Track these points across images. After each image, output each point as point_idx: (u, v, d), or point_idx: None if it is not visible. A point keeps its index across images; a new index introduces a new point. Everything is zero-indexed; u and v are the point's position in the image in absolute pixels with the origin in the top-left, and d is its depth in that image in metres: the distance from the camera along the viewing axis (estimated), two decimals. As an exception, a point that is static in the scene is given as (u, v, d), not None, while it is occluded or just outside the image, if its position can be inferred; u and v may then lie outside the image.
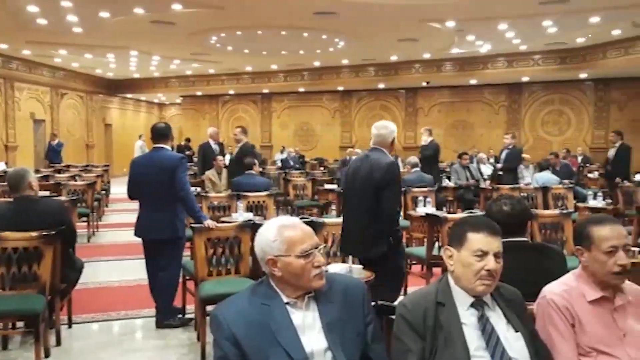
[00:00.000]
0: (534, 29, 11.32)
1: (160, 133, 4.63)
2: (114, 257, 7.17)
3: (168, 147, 4.65)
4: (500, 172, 9.67)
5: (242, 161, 7.63)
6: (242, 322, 1.76)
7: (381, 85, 18.12)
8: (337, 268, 3.51)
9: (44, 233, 3.70)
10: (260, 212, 6.38)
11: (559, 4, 9.04)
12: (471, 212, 5.54)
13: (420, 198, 6.67)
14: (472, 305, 1.88)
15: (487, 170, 11.18)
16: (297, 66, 17.30)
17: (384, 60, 15.99)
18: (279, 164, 15.16)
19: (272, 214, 6.43)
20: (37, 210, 3.94)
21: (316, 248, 1.84)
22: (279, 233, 1.84)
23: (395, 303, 2.03)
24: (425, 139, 9.56)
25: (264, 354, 1.73)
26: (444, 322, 1.84)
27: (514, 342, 1.83)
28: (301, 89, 19.44)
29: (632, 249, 4.18)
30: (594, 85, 16.00)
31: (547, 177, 8.91)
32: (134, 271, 6.23)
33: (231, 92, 20.81)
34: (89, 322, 4.70)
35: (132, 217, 4.85)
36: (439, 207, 7.56)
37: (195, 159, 13.19)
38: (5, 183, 5.31)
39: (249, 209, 6.28)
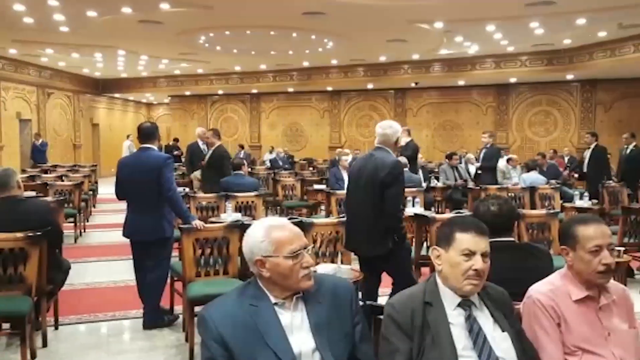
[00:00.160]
0: (521, 30, 11.40)
1: (146, 133, 4.60)
2: (101, 258, 7.12)
3: (155, 147, 4.62)
4: (480, 171, 9.68)
5: (216, 166, 7.51)
6: (230, 323, 1.76)
7: (370, 86, 18.16)
8: (325, 268, 3.51)
9: (30, 234, 3.67)
10: (249, 213, 6.37)
11: (545, 5, 9.11)
12: (459, 212, 5.57)
13: (409, 198, 6.69)
14: (460, 305, 1.89)
15: (474, 170, 11.23)
16: (286, 66, 17.28)
17: (373, 60, 16.03)
18: (268, 164, 15.15)
19: (260, 215, 6.42)
20: (23, 211, 3.90)
21: (305, 248, 1.84)
22: (267, 233, 1.83)
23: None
24: (404, 140, 9.44)
25: (252, 355, 1.72)
26: (432, 322, 1.85)
27: (500, 342, 1.84)
28: (290, 89, 19.43)
29: (617, 248, 4.24)
30: (581, 87, 16.16)
31: (534, 177, 8.98)
32: (121, 272, 6.20)
33: (220, 92, 20.74)
34: (75, 323, 4.67)
35: (120, 218, 4.82)
36: (427, 207, 7.58)
37: (183, 159, 13.14)
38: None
39: (237, 209, 6.26)
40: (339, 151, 12.92)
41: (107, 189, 13.06)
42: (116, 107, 23.01)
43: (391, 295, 2.48)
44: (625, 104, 15.51)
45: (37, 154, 15.63)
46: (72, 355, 3.99)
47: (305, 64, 16.82)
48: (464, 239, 1.89)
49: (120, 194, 4.60)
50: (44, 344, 4.06)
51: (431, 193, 9.17)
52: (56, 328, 4.45)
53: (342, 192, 7.34)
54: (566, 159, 14.69)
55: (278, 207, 9.47)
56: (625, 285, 4.24)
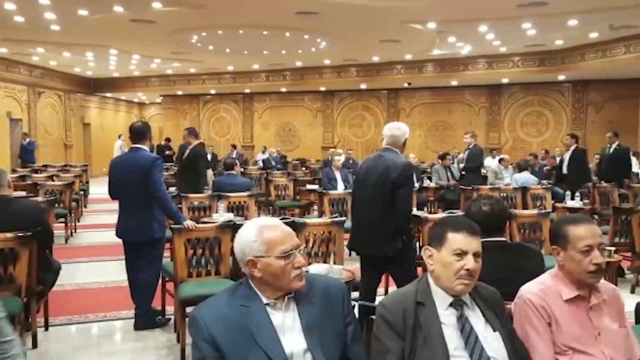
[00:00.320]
0: (513, 31, 11.45)
1: (138, 133, 4.58)
2: (92, 259, 7.08)
3: (145, 148, 4.60)
4: (464, 172, 9.69)
5: (191, 165, 7.43)
6: (221, 323, 1.75)
7: (363, 86, 18.17)
8: (317, 269, 3.51)
9: (20, 234, 3.64)
10: (241, 213, 6.35)
11: (537, 6, 9.15)
12: (452, 213, 5.58)
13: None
14: (452, 304, 1.89)
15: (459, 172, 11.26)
16: (279, 66, 17.26)
17: (365, 61, 16.04)
18: (261, 164, 15.13)
19: (253, 215, 6.41)
20: (13, 211, 3.86)
21: (296, 249, 1.84)
22: (259, 234, 1.83)
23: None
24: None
25: (244, 355, 1.72)
26: (424, 322, 1.85)
27: (492, 342, 1.85)
28: (283, 89, 19.41)
29: (608, 248, 4.26)
30: (572, 87, 16.25)
31: (526, 177, 9.03)
32: (112, 273, 6.16)
33: (212, 91, 20.69)
34: (66, 324, 4.64)
35: (111, 218, 4.80)
36: (420, 207, 7.61)
37: (175, 159, 13.09)
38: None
39: (229, 209, 6.25)
40: (331, 151, 12.93)
41: (98, 189, 13.01)
42: (108, 107, 22.90)
43: None
44: (616, 105, 15.61)
45: (26, 154, 15.53)
46: (62, 356, 3.96)
47: (298, 63, 16.81)
48: (456, 239, 1.89)
49: (113, 194, 4.61)
50: (34, 345, 4.03)
51: (424, 193, 9.20)
52: (46, 329, 4.42)
53: (335, 192, 7.37)
54: (557, 159, 14.75)
55: (270, 207, 9.46)
56: (616, 284, 4.27)
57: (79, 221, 9.51)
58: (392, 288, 5.22)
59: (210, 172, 8.49)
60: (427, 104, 18.39)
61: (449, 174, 9.88)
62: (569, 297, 2.03)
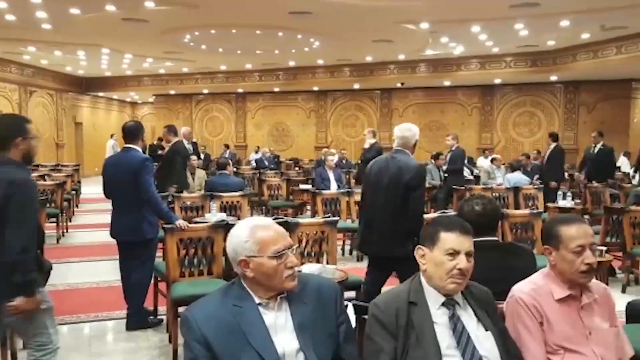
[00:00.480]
0: (505, 31, 11.49)
1: (129, 133, 4.57)
2: (83, 259, 7.03)
3: (137, 148, 4.58)
4: (446, 174, 9.71)
5: (169, 164, 7.35)
6: (213, 323, 1.74)
7: (356, 86, 18.18)
8: (310, 268, 3.51)
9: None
10: (234, 213, 6.34)
11: (529, 7, 9.19)
12: (444, 212, 5.60)
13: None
14: (444, 304, 1.90)
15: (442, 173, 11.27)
16: (272, 66, 17.24)
17: (359, 60, 16.05)
18: (254, 164, 15.11)
19: (246, 215, 6.40)
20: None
21: (289, 248, 1.83)
22: (251, 233, 1.82)
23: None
24: (369, 141, 9.16)
25: (236, 356, 1.71)
26: (416, 321, 1.85)
27: (484, 341, 1.86)
28: (276, 89, 19.39)
29: (599, 248, 4.29)
30: (564, 88, 16.33)
31: (518, 177, 9.06)
32: (104, 273, 6.13)
33: (205, 91, 20.64)
34: (57, 324, 4.58)
35: (103, 218, 4.79)
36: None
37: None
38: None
39: (222, 209, 6.24)
40: (325, 151, 12.95)
41: (90, 188, 12.95)
42: (100, 106, 22.79)
43: None
44: (608, 105, 15.70)
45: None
46: (53, 357, 3.93)
47: (292, 63, 16.80)
48: (449, 239, 1.90)
49: (107, 194, 4.62)
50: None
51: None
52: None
53: (328, 192, 7.37)
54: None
55: (263, 207, 9.45)
56: (607, 284, 4.30)
57: (70, 221, 9.45)
58: (386, 288, 5.23)
59: (202, 172, 8.47)
60: (420, 104, 18.42)
61: (442, 174, 9.91)
62: (561, 296, 2.04)
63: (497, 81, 16.34)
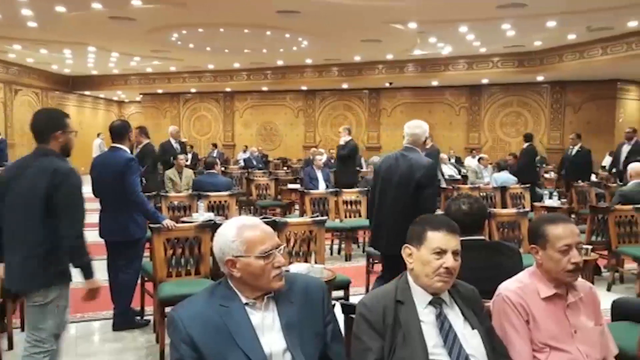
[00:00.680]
0: (493, 32, 11.56)
1: (115, 132, 4.55)
2: (70, 259, 6.96)
3: (124, 147, 4.54)
4: None
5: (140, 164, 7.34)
6: (200, 323, 1.73)
7: (345, 86, 18.20)
8: (298, 268, 3.50)
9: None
10: (222, 212, 6.32)
11: (516, 7, 9.25)
12: (432, 211, 5.61)
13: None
14: (431, 303, 1.91)
15: (448, 170, 11.35)
16: (260, 65, 17.20)
17: (347, 60, 16.06)
18: (242, 163, 15.05)
19: (234, 214, 6.38)
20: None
21: (276, 248, 1.83)
22: (238, 233, 1.81)
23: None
24: (343, 139, 9.04)
25: (222, 356, 1.70)
26: (403, 320, 1.85)
27: (470, 339, 1.86)
28: (264, 88, 19.35)
29: (585, 246, 4.33)
30: (551, 88, 16.46)
31: (505, 177, 9.11)
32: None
33: (193, 90, 20.54)
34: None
35: (91, 218, 4.71)
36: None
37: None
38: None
39: (210, 208, 6.21)
40: (313, 150, 12.94)
41: (76, 188, 12.80)
42: (86, 105, 22.59)
43: None
44: (594, 106, 15.86)
45: (-4, 152, 15.21)
46: (38, 358, 3.89)
47: (280, 62, 16.77)
48: (435, 238, 1.91)
49: (95, 194, 4.58)
50: (10, 347, 3.97)
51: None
52: (23, 330, 4.32)
53: (316, 192, 7.37)
54: (536, 159, 14.96)
55: (252, 207, 9.42)
56: (593, 283, 4.33)
57: (56, 221, 9.33)
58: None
59: (190, 171, 8.43)
60: (408, 103, 18.47)
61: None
62: (547, 295, 2.05)
63: (485, 81, 16.43)
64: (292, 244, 4.24)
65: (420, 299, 1.91)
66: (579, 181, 8.69)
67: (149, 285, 4.49)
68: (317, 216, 4.91)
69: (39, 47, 13.97)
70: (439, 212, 5.49)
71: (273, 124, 20.38)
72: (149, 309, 4.61)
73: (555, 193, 8.00)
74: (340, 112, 19.34)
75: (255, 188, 9.21)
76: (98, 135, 18.68)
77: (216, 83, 19.06)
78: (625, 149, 9.58)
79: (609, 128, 15.30)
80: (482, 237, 2.88)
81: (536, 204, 7.96)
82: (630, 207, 5.73)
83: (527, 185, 8.30)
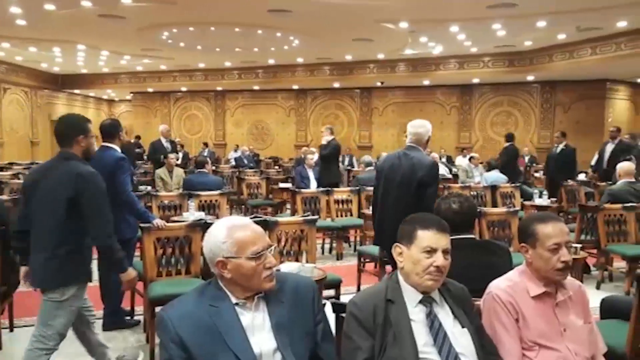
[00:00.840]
0: (483, 31, 11.61)
1: (105, 131, 4.50)
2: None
3: (114, 146, 4.50)
4: None
5: None
6: (189, 323, 1.72)
7: (336, 85, 18.20)
8: (289, 267, 3.49)
9: (-18, 234, 3.56)
10: (212, 211, 6.29)
11: (506, 7, 9.30)
12: (423, 211, 5.63)
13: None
14: (421, 301, 1.91)
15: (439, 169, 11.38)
16: (251, 64, 17.17)
17: (339, 59, 16.08)
18: (233, 162, 15.02)
19: (225, 213, 6.35)
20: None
21: (268, 249, 1.82)
22: (229, 234, 1.79)
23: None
24: (325, 138, 8.88)
25: (212, 356, 1.69)
26: (394, 319, 1.85)
27: (460, 338, 1.87)
28: (256, 87, 19.31)
29: (574, 245, 4.35)
30: (541, 88, 16.56)
31: (495, 176, 9.14)
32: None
33: (183, 89, 20.46)
34: (31, 325, 4.45)
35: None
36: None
37: (146, 157, 12.91)
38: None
39: (201, 208, 6.18)
40: (304, 150, 12.92)
41: (66, 187, 12.69)
42: (76, 104, 22.44)
43: None
44: (583, 105, 15.98)
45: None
46: (27, 359, 3.86)
47: (271, 61, 16.74)
48: (426, 237, 1.91)
49: None
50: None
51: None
52: (11, 330, 4.30)
53: (308, 191, 7.36)
54: (526, 158, 15.06)
55: (243, 206, 9.40)
56: (582, 281, 4.36)
57: (45, 220, 9.26)
58: (364, 286, 5.24)
59: (180, 170, 8.39)
60: (399, 103, 18.52)
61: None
62: (536, 293, 2.06)
63: (476, 81, 16.50)
64: (283, 243, 4.24)
65: (411, 297, 1.91)
66: (568, 180, 8.73)
67: (139, 285, 4.45)
68: (309, 215, 4.90)
69: (28, 45, 13.86)
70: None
71: (264, 123, 20.35)
72: (139, 309, 4.58)
73: (545, 192, 8.04)
74: (332, 111, 19.35)
75: (246, 187, 9.19)
76: (88, 134, 18.53)
77: (207, 82, 19.00)
78: (609, 147, 9.64)
79: (599, 127, 15.42)
80: (472, 236, 2.88)
81: (526, 202, 8.00)
82: (619, 205, 5.77)
83: (518, 185, 8.34)
